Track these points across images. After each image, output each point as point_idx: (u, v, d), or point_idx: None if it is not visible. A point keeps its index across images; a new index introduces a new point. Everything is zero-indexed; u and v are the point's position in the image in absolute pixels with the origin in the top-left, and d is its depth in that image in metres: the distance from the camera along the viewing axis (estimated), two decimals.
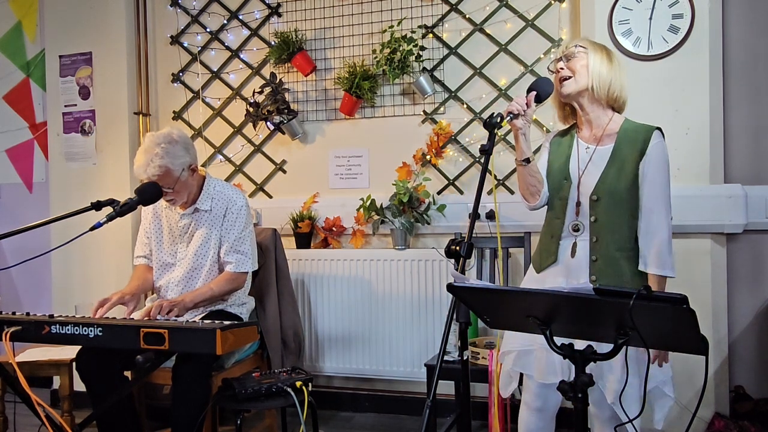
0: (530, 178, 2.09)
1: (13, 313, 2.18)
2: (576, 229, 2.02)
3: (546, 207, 2.16)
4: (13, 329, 2.05)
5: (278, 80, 3.55)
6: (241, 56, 3.71)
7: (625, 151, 1.99)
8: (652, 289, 1.84)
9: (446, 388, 3.21)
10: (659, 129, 2.02)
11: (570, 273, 2.00)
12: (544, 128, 3.20)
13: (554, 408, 2.12)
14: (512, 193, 3.26)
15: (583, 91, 2.03)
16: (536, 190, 2.11)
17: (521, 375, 2.13)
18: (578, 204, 2.02)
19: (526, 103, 1.98)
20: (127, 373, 2.55)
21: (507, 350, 2.11)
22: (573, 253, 2.01)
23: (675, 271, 1.97)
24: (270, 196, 3.70)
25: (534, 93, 1.97)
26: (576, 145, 2.08)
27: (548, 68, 2.17)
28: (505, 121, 1.91)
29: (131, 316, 2.41)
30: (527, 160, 2.05)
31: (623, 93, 2.06)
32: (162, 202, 2.62)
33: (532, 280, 2.13)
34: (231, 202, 2.66)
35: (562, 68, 2.04)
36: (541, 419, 2.11)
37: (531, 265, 2.20)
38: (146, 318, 2.33)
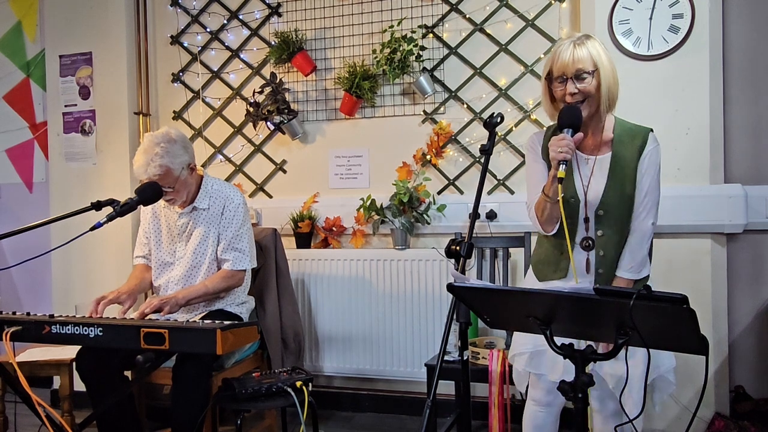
0: (555, 212, 1.96)
1: (13, 313, 2.18)
2: (587, 247, 2.00)
3: None
4: (13, 329, 2.05)
5: (278, 80, 3.55)
6: (241, 56, 3.71)
7: (625, 159, 1.97)
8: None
9: (446, 388, 3.21)
10: (652, 130, 2.01)
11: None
12: (544, 128, 3.19)
13: (560, 405, 2.15)
14: (512, 193, 3.26)
15: (594, 111, 1.98)
16: (557, 220, 2.00)
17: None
18: (586, 220, 2.00)
19: (574, 143, 1.88)
20: (127, 373, 2.55)
21: (518, 352, 2.10)
22: (587, 269, 2.01)
23: (641, 275, 2.00)
24: (270, 196, 3.70)
25: (570, 131, 1.88)
26: (575, 157, 2.01)
27: (545, 78, 2.03)
28: (562, 170, 1.81)
29: (126, 316, 2.40)
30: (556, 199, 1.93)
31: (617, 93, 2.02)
32: (161, 202, 2.62)
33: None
34: (228, 200, 2.67)
35: (574, 92, 1.93)
36: (549, 414, 2.15)
37: (531, 270, 2.18)
38: (140, 317, 2.33)
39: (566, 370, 1.97)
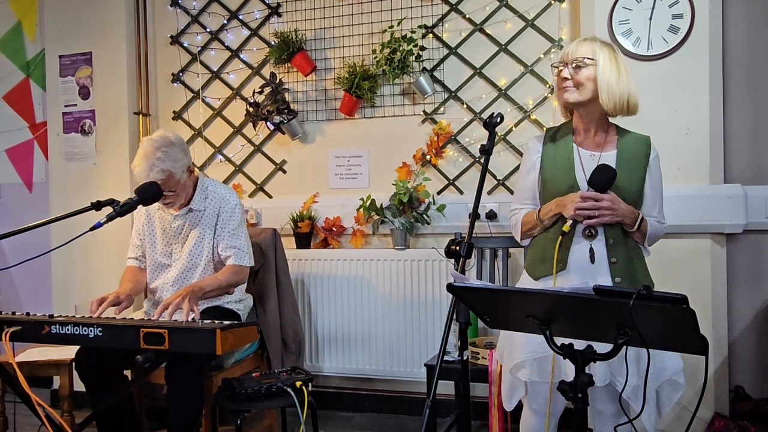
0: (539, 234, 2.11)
1: (13, 313, 2.18)
2: (590, 235, 1.98)
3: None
4: (13, 329, 2.05)
5: (278, 80, 3.55)
6: (241, 56, 3.71)
7: (631, 159, 2.01)
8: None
9: (446, 388, 3.21)
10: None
11: (587, 277, 1.93)
12: (544, 128, 3.20)
13: (560, 411, 2.11)
14: (512, 193, 3.26)
15: (587, 102, 2.00)
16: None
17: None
18: None
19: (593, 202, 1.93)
20: (127, 373, 2.55)
21: (521, 361, 1.99)
22: (592, 259, 1.97)
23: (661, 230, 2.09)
24: (270, 196, 3.70)
25: (592, 190, 1.94)
26: (577, 153, 2.05)
27: (552, 65, 2.17)
28: (567, 225, 1.93)
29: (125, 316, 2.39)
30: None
31: (633, 98, 2.00)
32: (154, 203, 2.61)
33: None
34: (224, 201, 2.67)
35: (566, 77, 2.00)
36: (550, 422, 2.09)
37: (525, 272, 2.14)
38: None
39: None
